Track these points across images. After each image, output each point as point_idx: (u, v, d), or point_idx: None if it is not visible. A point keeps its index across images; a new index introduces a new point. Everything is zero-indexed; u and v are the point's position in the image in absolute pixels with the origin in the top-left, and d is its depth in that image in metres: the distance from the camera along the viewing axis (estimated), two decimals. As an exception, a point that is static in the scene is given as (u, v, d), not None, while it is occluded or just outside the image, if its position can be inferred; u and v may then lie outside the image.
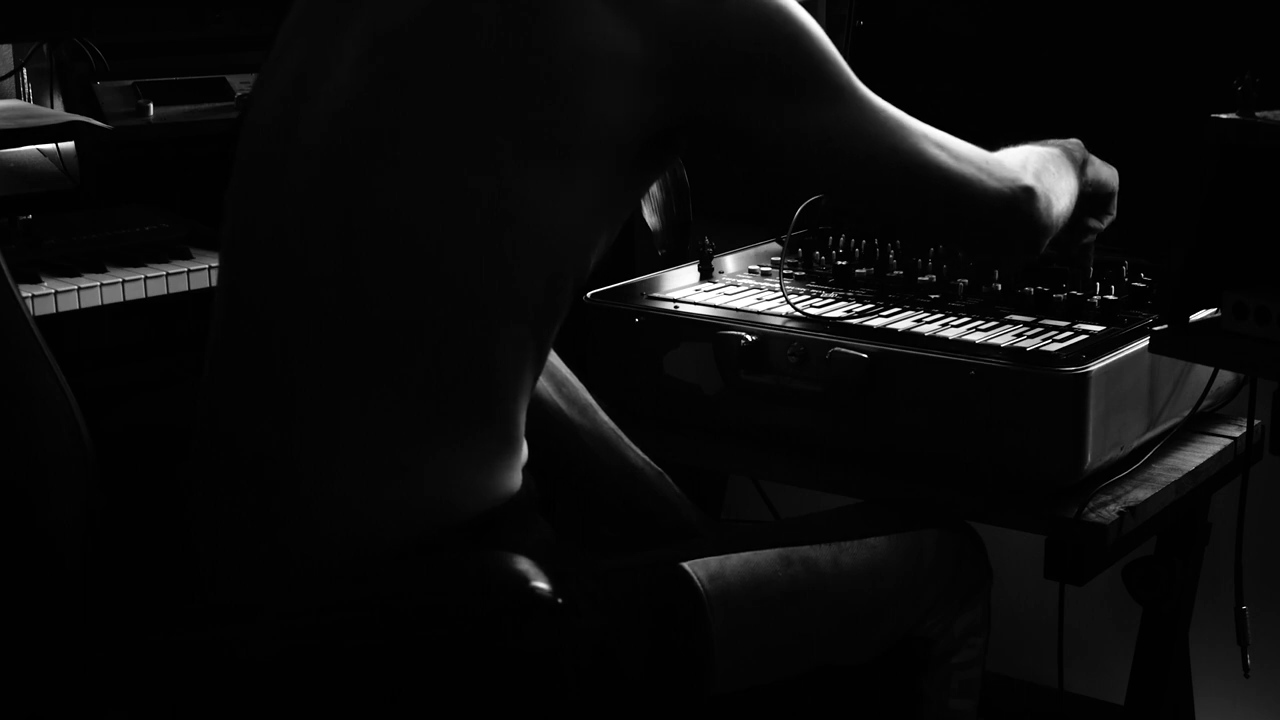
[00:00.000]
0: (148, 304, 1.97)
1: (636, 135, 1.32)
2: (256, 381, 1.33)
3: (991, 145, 1.51)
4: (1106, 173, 1.66)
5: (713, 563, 1.40)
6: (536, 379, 1.36)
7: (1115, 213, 1.69)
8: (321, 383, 1.30)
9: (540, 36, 1.27)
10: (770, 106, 1.35)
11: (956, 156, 1.43)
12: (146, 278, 1.97)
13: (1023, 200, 1.46)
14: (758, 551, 1.43)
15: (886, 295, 1.76)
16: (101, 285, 1.93)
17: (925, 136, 1.42)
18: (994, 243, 1.51)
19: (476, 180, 1.27)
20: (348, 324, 1.29)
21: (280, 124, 1.35)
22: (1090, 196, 1.63)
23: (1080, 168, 1.60)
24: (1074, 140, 1.63)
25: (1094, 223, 1.68)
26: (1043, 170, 1.50)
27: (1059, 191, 1.52)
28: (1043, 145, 1.57)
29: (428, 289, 1.28)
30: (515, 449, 1.34)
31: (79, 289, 1.92)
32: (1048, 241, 1.52)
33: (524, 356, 1.32)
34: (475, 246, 1.28)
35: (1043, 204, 1.47)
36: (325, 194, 1.30)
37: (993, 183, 1.44)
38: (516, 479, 1.35)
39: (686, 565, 1.39)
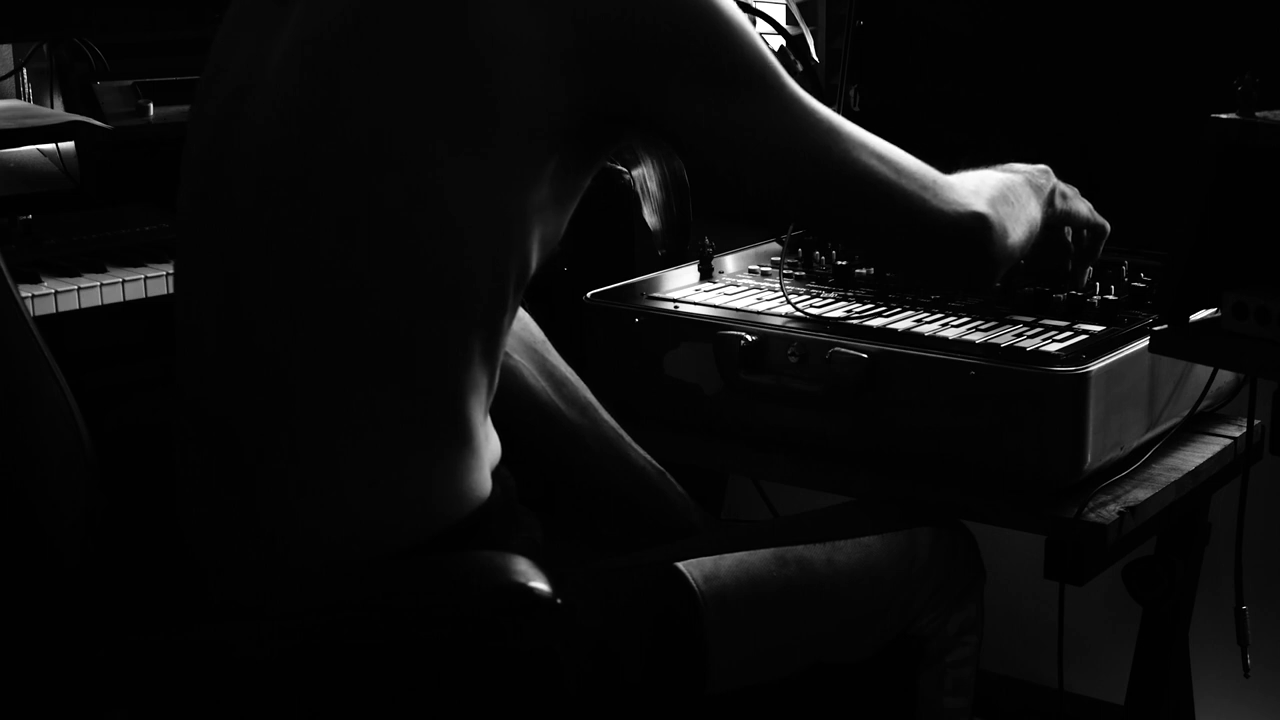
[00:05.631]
0: (148, 304, 1.97)
1: (564, 120, 1.29)
2: (240, 382, 1.33)
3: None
4: (1079, 205, 1.63)
5: (707, 563, 1.40)
6: (492, 378, 1.34)
7: (1099, 252, 1.67)
8: (299, 384, 1.30)
9: (460, 27, 1.26)
10: (690, 93, 1.31)
11: (898, 171, 1.37)
12: (146, 278, 1.97)
13: (975, 228, 1.39)
14: (752, 551, 1.43)
15: (886, 295, 1.76)
16: (101, 285, 1.94)
17: (862, 145, 1.36)
18: (941, 269, 1.43)
19: (414, 177, 1.26)
20: (317, 326, 1.29)
21: (223, 129, 1.35)
22: (1057, 227, 1.60)
23: (1048, 197, 1.56)
24: (1040, 166, 1.59)
25: (1081, 252, 1.66)
26: (998, 198, 1.44)
27: (1017, 219, 1.46)
28: (1004, 170, 1.53)
29: (375, 287, 1.27)
30: (476, 450, 1.33)
31: (79, 289, 1.92)
32: (1004, 271, 1.45)
33: (472, 353, 1.30)
34: (419, 243, 1.27)
35: (997, 233, 1.41)
36: (276, 201, 1.30)
37: (937, 203, 1.38)
38: (486, 481, 1.34)
39: (681, 566, 1.39)
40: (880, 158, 1.37)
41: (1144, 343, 1.54)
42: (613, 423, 1.62)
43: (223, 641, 1.28)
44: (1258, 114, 1.38)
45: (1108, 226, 1.68)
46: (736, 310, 1.73)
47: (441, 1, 1.27)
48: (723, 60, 1.32)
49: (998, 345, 1.58)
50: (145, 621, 1.36)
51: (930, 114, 2.07)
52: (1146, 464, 1.60)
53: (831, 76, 2.41)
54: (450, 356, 1.30)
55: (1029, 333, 1.62)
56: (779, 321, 1.68)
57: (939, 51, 2.08)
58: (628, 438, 1.62)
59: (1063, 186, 1.61)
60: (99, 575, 1.33)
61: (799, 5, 2.57)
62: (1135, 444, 1.59)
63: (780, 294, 1.76)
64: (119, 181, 2.22)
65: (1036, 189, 1.55)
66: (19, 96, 2.30)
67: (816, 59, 2.49)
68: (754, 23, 2.42)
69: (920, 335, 1.62)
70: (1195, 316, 1.48)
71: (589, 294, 1.78)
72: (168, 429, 1.41)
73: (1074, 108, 1.95)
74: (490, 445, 1.37)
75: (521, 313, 1.57)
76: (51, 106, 2.30)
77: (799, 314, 1.70)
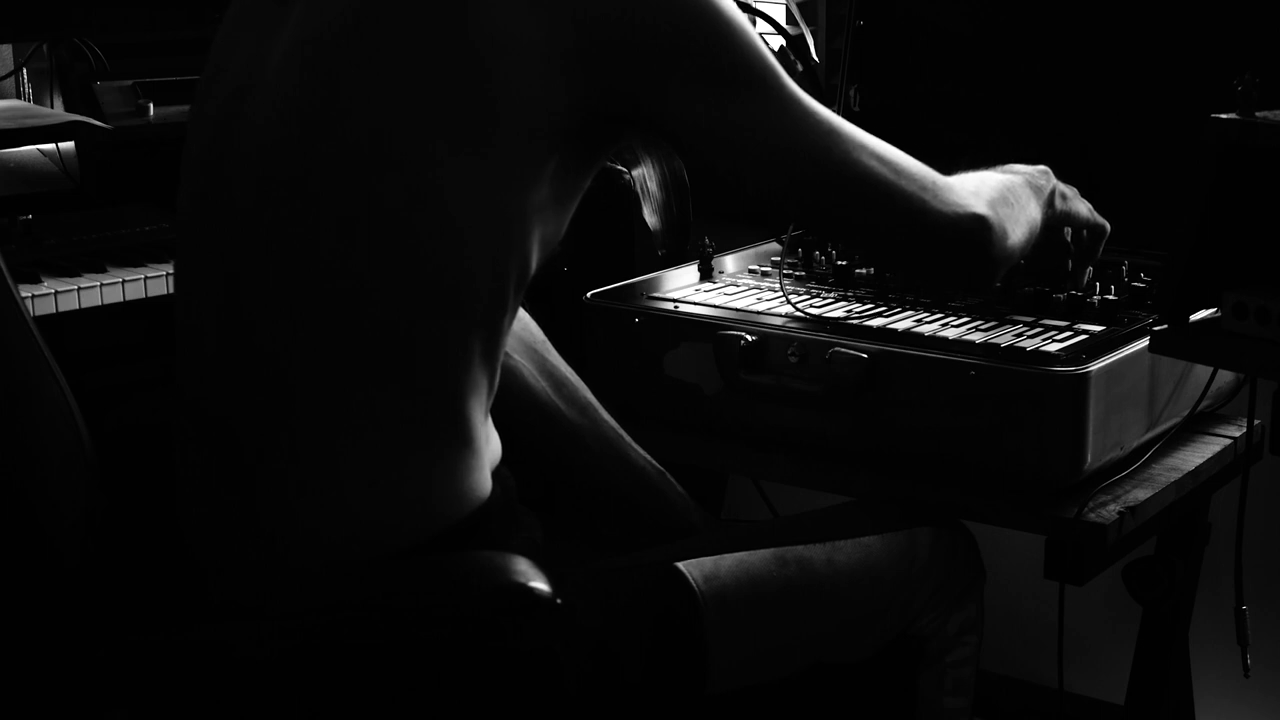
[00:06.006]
0: (148, 304, 1.97)
1: (564, 120, 1.29)
2: (240, 382, 1.33)
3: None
4: (1079, 205, 1.63)
5: (707, 563, 1.40)
6: (493, 378, 1.34)
7: (1099, 252, 1.68)
8: (299, 384, 1.30)
9: (460, 27, 1.26)
10: (690, 93, 1.31)
11: (898, 172, 1.37)
12: (146, 278, 1.97)
13: (975, 230, 1.39)
14: (752, 551, 1.43)
15: (886, 295, 1.76)
16: (101, 285, 1.94)
17: (862, 146, 1.36)
18: (940, 270, 1.45)
19: (414, 177, 1.26)
20: (317, 326, 1.29)
21: (223, 129, 1.35)
22: (1057, 228, 1.61)
23: (1048, 198, 1.56)
24: (1040, 167, 1.59)
25: (1080, 249, 1.67)
26: (998, 199, 1.44)
27: (1016, 221, 1.46)
28: (1004, 172, 1.53)
29: (375, 287, 1.27)
30: (476, 450, 1.33)
31: (79, 289, 1.92)
32: (1004, 271, 1.46)
33: (472, 353, 1.30)
34: (419, 243, 1.27)
35: (997, 234, 1.41)
36: (276, 201, 1.30)
37: (937, 204, 1.38)
38: (486, 481, 1.34)
39: (681, 566, 1.39)
40: (880, 159, 1.37)
41: (1144, 343, 1.54)
42: (613, 423, 1.62)
43: (223, 641, 1.28)
44: (1258, 114, 1.38)
45: (1108, 226, 1.68)
46: (736, 310, 1.73)
47: (441, 1, 1.27)
48: (723, 60, 1.32)
49: (998, 345, 1.58)
50: (145, 621, 1.36)
51: (930, 114, 2.07)
52: (1146, 464, 1.60)
53: (831, 76, 2.41)
54: (450, 356, 1.30)
55: (1029, 333, 1.62)
56: (779, 321, 1.68)
57: (939, 51, 2.08)
58: (628, 438, 1.62)
59: (1063, 187, 1.61)
60: (99, 575, 1.33)
61: (799, 5, 2.57)
62: (1135, 444, 1.59)
63: (780, 294, 1.76)
64: (119, 181, 2.22)
65: (1036, 190, 1.55)
66: (19, 96, 2.30)
67: (816, 59, 2.49)
68: (754, 23, 2.42)
69: (920, 335, 1.62)
70: (1195, 316, 1.48)
71: (589, 294, 1.78)
72: (168, 429, 1.41)
73: (1074, 108, 1.95)
74: (491, 445, 1.37)
75: (521, 313, 1.57)
76: (51, 106, 2.30)
77: (799, 314, 1.70)
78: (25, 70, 2.29)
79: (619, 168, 2.25)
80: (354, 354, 1.29)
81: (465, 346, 1.30)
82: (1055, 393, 1.49)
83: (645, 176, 2.27)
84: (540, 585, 1.19)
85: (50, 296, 1.89)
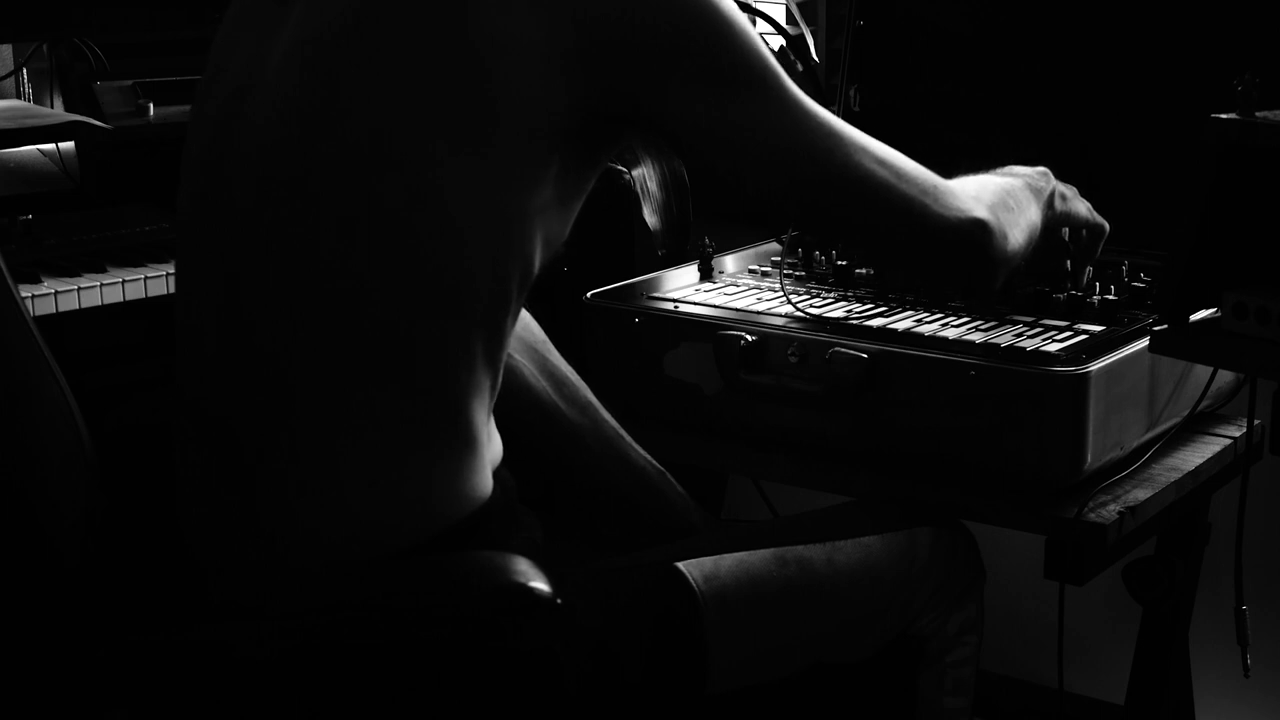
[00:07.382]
0: (148, 304, 1.97)
1: (564, 120, 1.29)
2: (240, 382, 1.33)
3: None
4: (1078, 206, 1.63)
5: (707, 563, 1.40)
6: (495, 378, 1.34)
7: (1098, 252, 1.69)
8: (299, 384, 1.30)
9: (459, 27, 1.26)
10: (690, 93, 1.31)
11: (899, 175, 1.38)
12: (146, 278, 1.97)
13: (975, 233, 1.40)
14: (753, 551, 1.43)
15: (886, 295, 1.76)
16: (101, 285, 1.94)
17: (863, 149, 1.36)
18: (941, 273, 1.46)
19: (414, 177, 1.26)
20: (317, 326, 1.29)
21: (223, 129, 1.35)
22: (1056, 229, 1.61)
23: (1047, 200, 1.57)
24: (1039, 169, 1.59)
25: (1079, 253, 1.67)
26: (998, 203, 1.45)
27: (1017, 225, 1.46)
28: (1004, 175, 1.54)
29: (375, 287, 1.27)
30: (477, 450, 1.33)
31: (79, 289, 1.92)
32: (1004, 275, 1.46)
33: (473, 353, 1.30)
34: (419, 243, 1.27)
35: (998, 238, 1.42)
36: (276, 201, 1.30)
37: (938, 208, 1.38)
38: (487, 481, 1.34)
39: (681, 566, 1.39)
40: (881, 162, 1.37)
41: (1144, 343, 1.54)
42: (613, 422, 1.62)
43: (223, 641, 1.28)
44: (1258, 114, 1.38)
45: (1107, 226, 1.68)
46: (736, 310, 1.73)
47: (441, 2, 1.27)
48: (723, 60, 1.32)
49: (998, 345, 1.58)
50: (145, 621, 1.36)
51: (930, 114, 2.08)
52: (1146, 464, 1.60)
53: (831, 76, 2.41)
54: (450, 356, 1.30)
55: (1029, 333, 1.62)
56: (779, 321, 1.68)
57: (939, 51, 2.08)
58: (628, 438, 1.62)
59: (1062, 188, 1.61)
60: (99, 575, 1.33)
61: (799, 5, 2.57)
62: (1135, 444, 1.59)
63: (780, 294, 1.76)
64: (119, 181, 2.22)
65: (1036, 192, 1.55)
66: (19, 96, 2.30)
67: (816, 59, 2.49)
68: (754, 23, 2.42)
69: (920, 335, 1.62)
70: (1195, 316, 1.48)
71: (589, 294, 1.78)
72: (168, 429, 1.41)
73: (1074, 108, 1.95)
74: (493, 445, 1.37)
75: (522, 312, 1.57)
76: (51, 106, 2.31)
77: (799, 314, 1.70)
78: (25, 70, 2.29)
79: (619, 168, 2.25)
80: (354, 354, 1.29)
81: (466, 346, 1.30)
82: (1055, 393, 1.49)
83: (645, 176, 2.27)
84: (540, 585, 1.19)
85: (50, 296, 1.89)
